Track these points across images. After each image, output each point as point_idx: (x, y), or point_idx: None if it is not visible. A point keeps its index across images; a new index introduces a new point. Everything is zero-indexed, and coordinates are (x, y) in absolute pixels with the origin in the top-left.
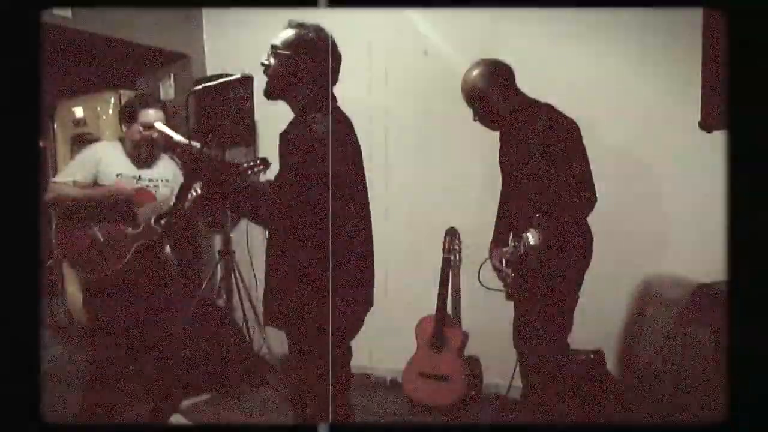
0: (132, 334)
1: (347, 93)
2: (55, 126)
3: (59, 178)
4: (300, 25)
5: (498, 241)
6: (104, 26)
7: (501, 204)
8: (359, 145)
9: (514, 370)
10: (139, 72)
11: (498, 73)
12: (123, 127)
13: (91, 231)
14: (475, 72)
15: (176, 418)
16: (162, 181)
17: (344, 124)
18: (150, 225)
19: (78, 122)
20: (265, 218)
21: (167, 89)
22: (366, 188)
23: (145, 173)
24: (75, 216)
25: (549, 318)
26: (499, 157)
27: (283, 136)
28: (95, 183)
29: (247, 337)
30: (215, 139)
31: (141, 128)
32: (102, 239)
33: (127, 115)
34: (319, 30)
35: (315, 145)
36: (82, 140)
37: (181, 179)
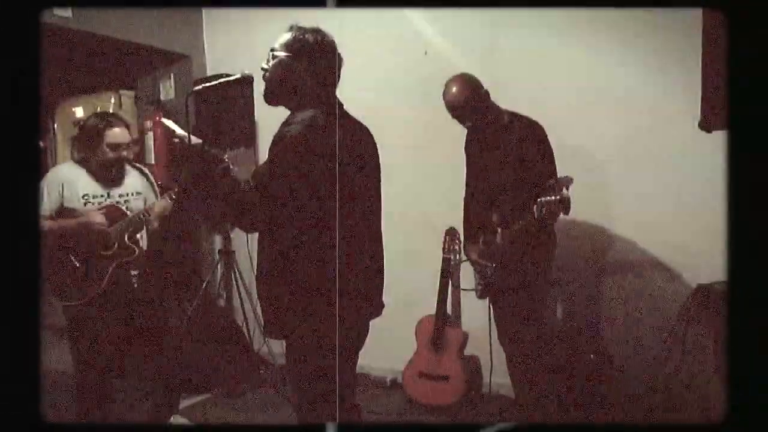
0: (125, 345)
1: (347, 93)
2: (55, 126)
3: None
4: (299, 28)
5: (471, 240)
6: (104, 26)
7: (468, 206)
8: (367, 153)
9: (491, 369)
10: (139, 72)
11: (476, 85)
12: (85, 148)
13: (66, 258)
14: (455, 86)
15: (176, 419)
16: (133, 194)
17: (349, 130)
18: (124, 243)
19: (78, 122)
20: (244, 221)
21: (167, 89)
22: (372, 198)
23: (114, 191)
24: (48, 245)
25: (525, 308)
26: (469, 165)
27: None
28: (62, 206)
29: (247, 337)
30: (215, 139)
31: (109, 150)
32: (78, 264)
33: (91, 135)
34: (317, 32)
35: (287, 146)
36: None
37: (150, 188)
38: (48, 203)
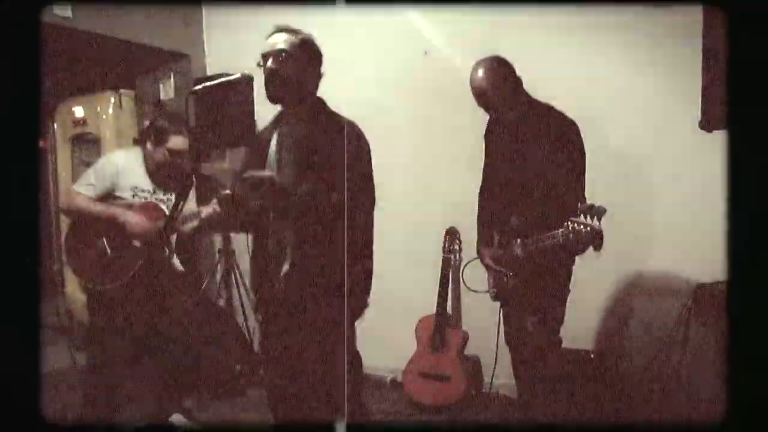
0: (136, 338)
1: (347, 92)
2: (55, 126)
3: (79, 188)
4: (292, 30)
5: (485, 241)
6: (104, 26)
7: (484, 204)
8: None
9: (494, 368)
10: (139, 72)
11: (508, 69)
12: (149, 144)
13: (99, 242)
14: (484, 69)
15: (176, 418)
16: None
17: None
18: (159, 243)
19: (78, 122)
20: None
21: (167, 89)
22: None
23: (161, 190)
24: (87, 226)
25: (544, 313)
26: (489, 157)
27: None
28: (112, 192)
29: (247, 337)
30: (215, 139)
31: (168, 154)
32: (109, 252)
33: (157, 136)
34: (298, 33)
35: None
36: (82, 140)
37: (193, 194)
38: (97, 186)
